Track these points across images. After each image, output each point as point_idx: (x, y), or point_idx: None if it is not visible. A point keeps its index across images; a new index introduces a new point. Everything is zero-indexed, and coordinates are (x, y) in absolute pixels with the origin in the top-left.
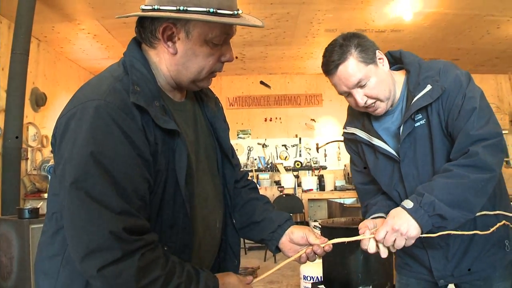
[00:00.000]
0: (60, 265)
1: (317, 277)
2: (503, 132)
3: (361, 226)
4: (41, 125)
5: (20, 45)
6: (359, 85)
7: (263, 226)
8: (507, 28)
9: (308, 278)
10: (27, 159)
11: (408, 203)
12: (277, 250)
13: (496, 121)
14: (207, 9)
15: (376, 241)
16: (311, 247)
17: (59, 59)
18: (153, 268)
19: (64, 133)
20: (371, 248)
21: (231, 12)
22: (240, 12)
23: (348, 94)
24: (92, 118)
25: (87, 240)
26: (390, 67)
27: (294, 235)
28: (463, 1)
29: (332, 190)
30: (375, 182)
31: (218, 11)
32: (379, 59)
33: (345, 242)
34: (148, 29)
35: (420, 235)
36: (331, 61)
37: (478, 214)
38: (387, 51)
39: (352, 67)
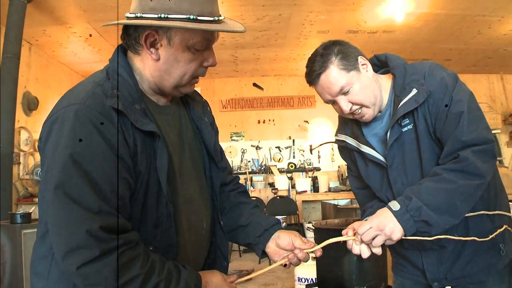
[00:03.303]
0: (50, 266)
1: (311, 278)
2: (496, 131)
3: (348, 227)
4: (33, 129)
5: (11, 49)
6: (342, 92)
7: (249, 230)
8: (498, 28)
9: (303, 280)
10: (19, 163)
11: (395, 205)
12: (264, 254)
13: (487, 126)
14: (188, 16)
15: (360, 239)
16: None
17: (51, 63)
18: (132, 267)
19: (48, 137)
20: (355, 249)
21: (211, 18)
22: (221, 18)
23: (333, 102)
24: (72, 122)
25: (67, 240)
26: (377, 71)
27: (280, 240)
28: (454, 2)
29: (326, 192)
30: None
31: (199, 17)
32: (362, 65)
33: (332, 242)
34: (132, 36)
35: (407, 237)
36: (312, 71)
37: (472, 214)
38: (374, 55)
39: (333, 75)
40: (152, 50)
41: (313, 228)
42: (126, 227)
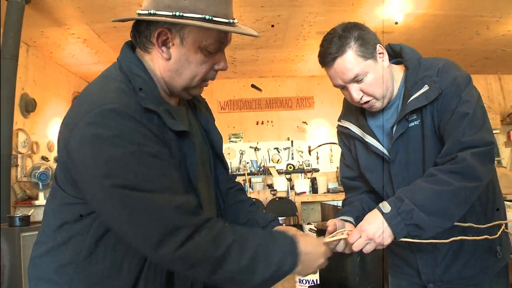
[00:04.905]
0: (74, 273)
1: (313, 280)
2: (495, 131)
3: (330, 223)
4: (31, 131)
5: (10, 50)
6: (356, 80)
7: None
8: (496, 29)
9: (304, 282)
10: (17, 166)
11: (386, 207)
12: None
13: (489, 129)
14: (203, 16)
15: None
16: None
17: (49, 64)
18: (224, 236)
19: (85, 141)
20: (339, 247)
21: (226, 21)
22: (235, 21)
23: (343, 88)
24: (116, 120)
25: (156, 228)
26: (389, 60)
27: None
28: (452, 2)
29: (325, 193)
30: (361, 178)
31: (214, 18)
32: (380, 53)
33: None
34: (143, 33)
35: (406, 240)
36: (328, 53)
37: (462, 224)
38: (388, 44)
39: (350, 61)
40: (164, 48)
41: (315, 229)
42: (200, 205)
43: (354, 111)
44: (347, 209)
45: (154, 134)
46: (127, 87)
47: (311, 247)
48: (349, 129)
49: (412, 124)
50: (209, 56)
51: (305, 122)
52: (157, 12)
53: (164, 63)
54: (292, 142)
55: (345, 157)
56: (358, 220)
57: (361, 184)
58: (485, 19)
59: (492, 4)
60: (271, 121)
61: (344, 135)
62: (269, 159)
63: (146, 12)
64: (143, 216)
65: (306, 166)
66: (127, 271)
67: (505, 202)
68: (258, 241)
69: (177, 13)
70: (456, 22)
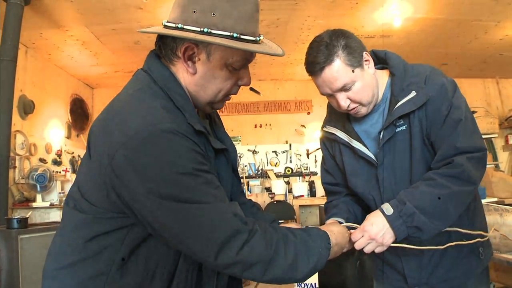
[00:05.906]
0: (105, 284)
1: (311, 284)
2: (493, 135)
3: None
4: (29, 133)
5: (8, 51)
6: (344, 89)
7: None
8: (494, 33)
9: (303, 285)
10: (14, 167)
11: (388, 209)
12: None
13: (480, 135)
14: (231, 33)
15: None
16: None
17: (47, 66)
18: (271, 236)
19: (140, 161)
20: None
21: (253, 38)
22: (261, 38)
23: (330, 95)
24: (172, 140)
25: (218, 235)
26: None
27: None
28: (451, 7)
29: (323, 196)
30: (343, 184)
31: (241, 36)
32: (365, 60)
33: None
34: (169, 46)
35: (394, 244)
36: (316, 63)
37: (453, 229)
38: (372, 50)
39: (337, 70)
40: (189, 63)
41: None
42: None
43: (340, 116)
44: (335, 212)
45: (203, 152)
46: (171, 105)
47: (340, 238)
48: (335, 134)
49: (399, 129)
50: (233, 72)
51: (303, 126)
52: (185, 27)
53: (189, 77)
54: (290, 145)
55: (326, 163)
56: (347, 221)
57: (342, 189)
58: (483, 24)
59: (490, 9)
60: (269, 124)
61: (328, 140)
62: (267, 162)
63: (174, 25)
64: (205, 226)
65: (304, 169)
66: (159, 281)
67: (504, 206)
68: (297, 238)
69: (205, 29)
70: (454, 26)
